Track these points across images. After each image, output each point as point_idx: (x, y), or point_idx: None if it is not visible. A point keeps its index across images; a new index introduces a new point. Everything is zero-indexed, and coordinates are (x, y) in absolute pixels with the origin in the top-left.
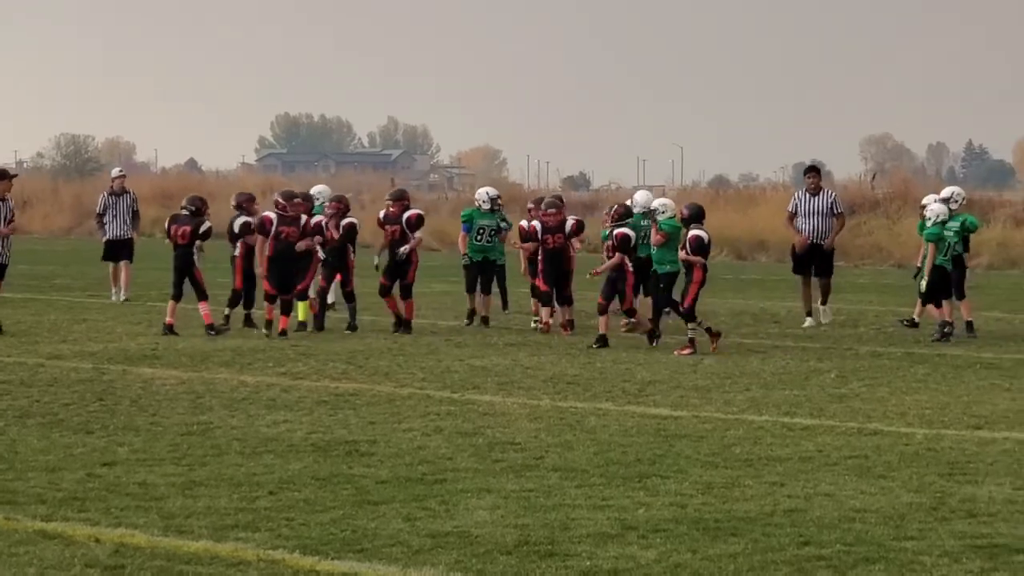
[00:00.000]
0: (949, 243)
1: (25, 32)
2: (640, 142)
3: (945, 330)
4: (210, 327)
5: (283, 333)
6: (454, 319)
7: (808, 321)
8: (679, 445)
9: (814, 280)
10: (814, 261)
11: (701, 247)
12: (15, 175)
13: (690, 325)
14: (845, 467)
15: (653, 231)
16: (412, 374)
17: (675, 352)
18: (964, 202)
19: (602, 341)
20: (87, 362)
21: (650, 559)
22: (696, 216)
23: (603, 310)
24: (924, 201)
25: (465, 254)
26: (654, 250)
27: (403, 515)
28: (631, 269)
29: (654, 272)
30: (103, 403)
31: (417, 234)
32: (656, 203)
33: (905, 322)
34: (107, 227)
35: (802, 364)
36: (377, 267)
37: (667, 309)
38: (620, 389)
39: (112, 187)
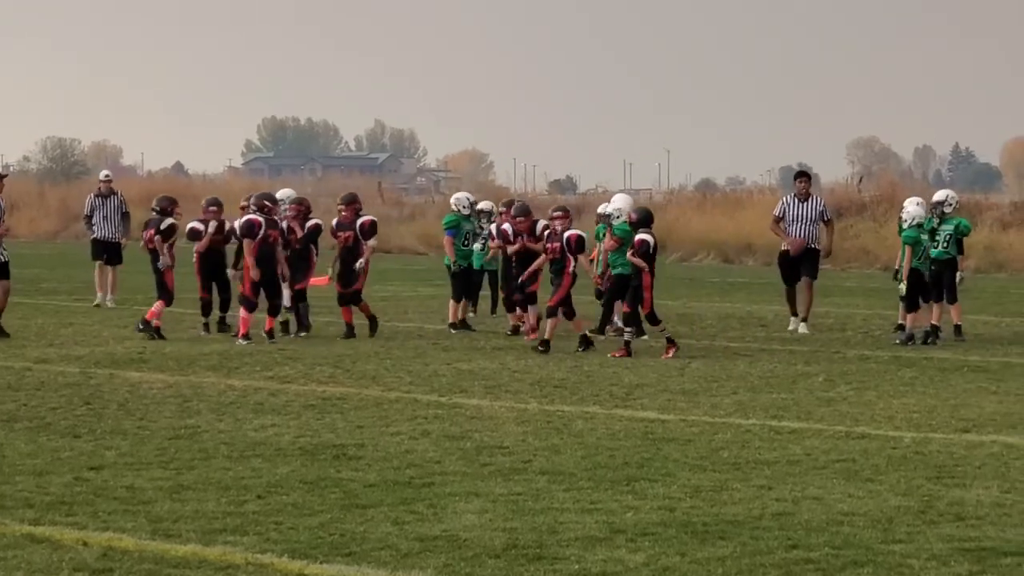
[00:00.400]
0: (925, 246)
1: (11, 35)
2: (627, 145)
3: (929, 333)
4: (145, 323)
5: (269, 334)
6: (440, 322)
7: (792, 322)
8: (667, 449)
9: (800, 284)
10: (801, 263)
11: (646, 253)
12: (5, 175)
13: (658, 328)
14: (833, 471)
15: (608, 235)
16: (399, 378)
17: (662, 356)
18: (957, 205)
19: (584, 342)
20: (74, 366)
21: (638, 562)
22: (644, 220)
23: (570, 315)
24: (905, 203)
25: (455, 260)
26: (609, 254)
27: (391, 519)
28: (572, 271)
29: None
30: (90, 407)
31: (371, 242)
32: (610, 207)
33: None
34: (96, 228)
35: (789, 367)
36: (331, 277)
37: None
38: (607, 393)
39: (99, 189)
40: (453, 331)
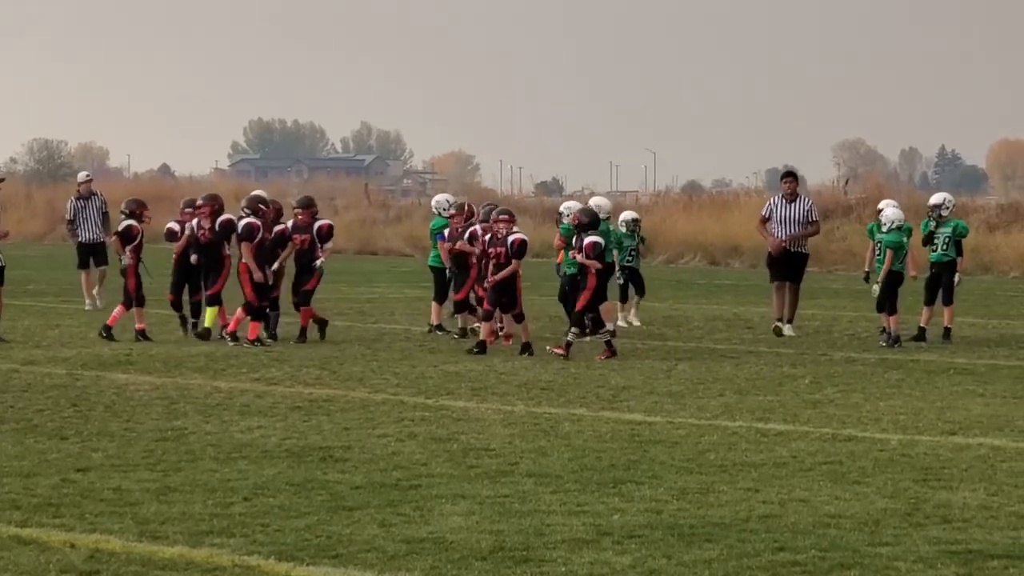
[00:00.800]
0: (906, 249)
1: None
2: (613, 147)
3: (896, 335)
4: (107, 328)
5: (255, 342)
6: (428, 325)
7: (778, 325)
8: (653, 451)
9: (785, 287)
10: (788, 267)
11: (601, 255)
12: (2, 179)
13: (573, 330)
14: (820, 473)
15: (557, 236)
16: (386, 380)
17: (548, 348)
18: (954, 208)
19: (481, 347)
20: (61, 368)
21: (625, 565)
22: (593, 223)
23: (489, 316)
24: (880, 206)
25: (451, 267)
26: (564, 256)
27: (378, 521)
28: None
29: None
30: (77, 409)
31: (328, 245)
32: (562, 207)
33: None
34: (80, 232)
35: (776, 370)
36: (274, 272)
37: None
38: (594, 395)
39: (79, 191)
40: (440, 333)
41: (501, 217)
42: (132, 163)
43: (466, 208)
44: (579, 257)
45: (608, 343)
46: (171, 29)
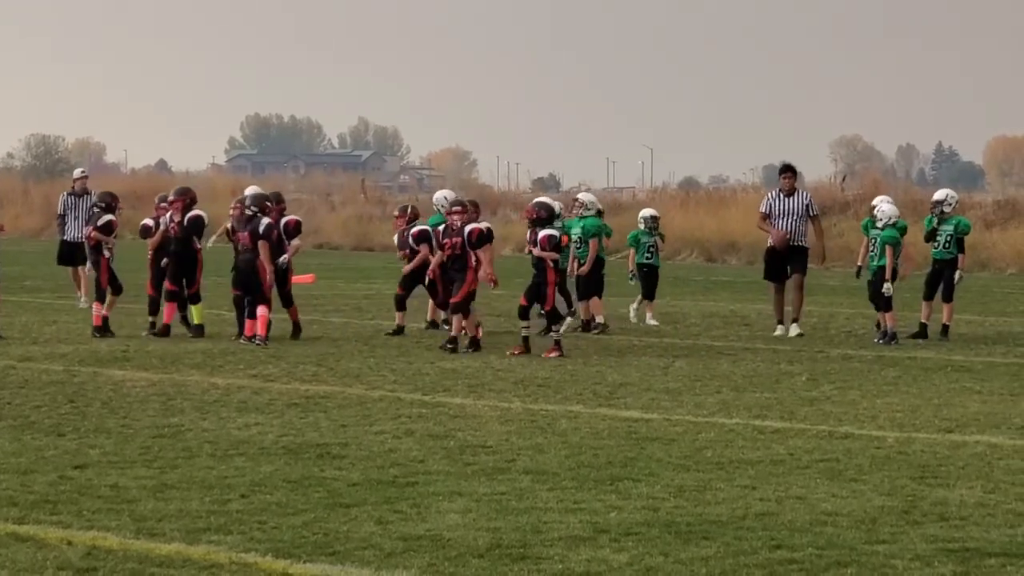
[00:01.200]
0: (902, 246)
1: None
2: (610, 144)
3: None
4: (97, 329)
5: (251, 338)
6: (424, 322)
7: (779, 329)
8: (650, 448)
9: (787, 286)
10: (789, 260)
11: (557, 246)
12: None
13: (555, 327)
14: (816, 470)
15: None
16: (383, 376)
17: (544, 354)
18: (957, 205)
19: (474, 345)
20: (58, 364)
21: (622, 562)
22: (551, 217)
23: (466, 314)
24: (874, 202)
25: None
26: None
27: (375, 518)
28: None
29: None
30: (74, 405)
31: (295, 241)
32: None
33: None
34: (66, 228)
35: (773, 367)
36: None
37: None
38: (591, 391)
39: (73, 187)
40: (437, 329)
41: (454, 209)
42: (129, 158)
43: (409, 211)
44: (535, 251)
45: (525, 339)
46: (168, 24)
